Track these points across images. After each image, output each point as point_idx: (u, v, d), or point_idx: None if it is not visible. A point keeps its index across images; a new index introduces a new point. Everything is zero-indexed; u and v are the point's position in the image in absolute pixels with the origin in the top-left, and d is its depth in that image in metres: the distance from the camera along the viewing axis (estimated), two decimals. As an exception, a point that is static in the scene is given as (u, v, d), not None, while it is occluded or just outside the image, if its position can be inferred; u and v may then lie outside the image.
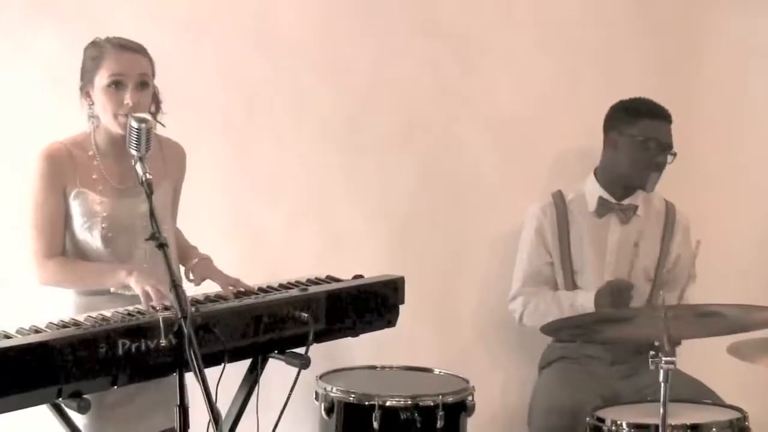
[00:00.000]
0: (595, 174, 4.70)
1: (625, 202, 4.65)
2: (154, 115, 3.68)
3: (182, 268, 3.84)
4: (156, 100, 3.72)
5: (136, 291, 3.41)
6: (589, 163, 4.75)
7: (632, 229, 4.66)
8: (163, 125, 3.69)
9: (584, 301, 4.49)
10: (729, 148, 5.16)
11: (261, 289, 3.78)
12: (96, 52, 3.57)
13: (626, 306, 4.42)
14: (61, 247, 3.62)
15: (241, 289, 3.73)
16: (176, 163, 3.84)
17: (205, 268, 3.81)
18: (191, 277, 3.80)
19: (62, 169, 3.58)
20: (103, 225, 3.60)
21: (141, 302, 3.43)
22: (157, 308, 3.34)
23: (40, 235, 3.58)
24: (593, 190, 4.67)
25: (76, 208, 3.60)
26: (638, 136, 4.55)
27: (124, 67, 3.53)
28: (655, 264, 4.66)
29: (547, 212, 4.68)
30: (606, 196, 4.65)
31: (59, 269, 3.59)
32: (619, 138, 4.60)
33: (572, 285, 4.64)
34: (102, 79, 3.53)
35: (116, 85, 3.52)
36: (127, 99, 3.51)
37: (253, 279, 3.82)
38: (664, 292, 3.80)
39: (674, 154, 4.60)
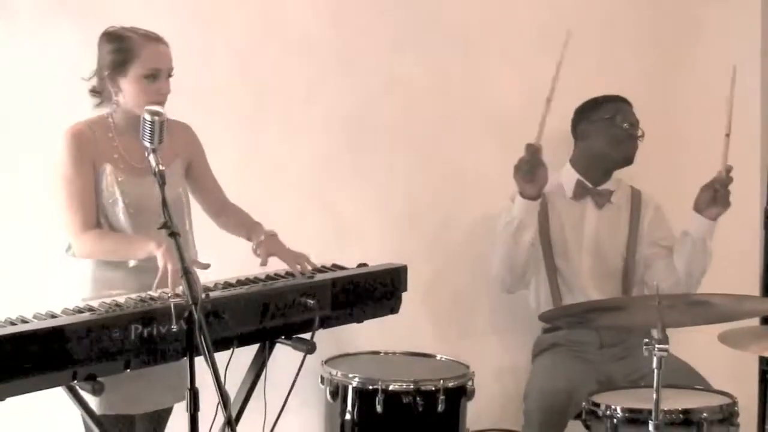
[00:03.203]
0: (571, 163, 4.81)
1: (601, 187, 4.75)
2: None
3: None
4: None
5: (159, 264, 3.49)
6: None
7: (606, 216, 4.74)
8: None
9: (516, 201, 4.51)
10: (718, 143, 5.17)
11: (268, 277, 3.85)
12: (125, 44, 3.68)
13: (536, 167, 4.43)
14: (95, 219, 3.70)
15: (308, 266, 3.87)
16: (185, 141, 3.94)
17: (271, 245, 3.92)
18: (258, 253, 3.91)
19: (88, 145, 3.69)
20: (125, 202, 3.70)
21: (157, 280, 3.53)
22: (168, 294, 3.42)
23: (74, 210, 3.67)
24: (570, 177, 4.76)
25: (103, 185, 3.71)
26: (605, 115, 4.71)
27: (160, 61, 3.70)
28: (625, 247, 4.73)
29: None
30: (583, 180, 4.74)
31: (94, 242, 3.68)
32: (590, 126, 4.75)
33: (553, 267, 4.70)
34: (138, 70, 3.66)
35: (152, 77, 3.67)
36: (164, 89, 3.69)
37: (261, 267, 3.90)
38: (657, 281, 3.82)
39: (642, 132, 4.72)
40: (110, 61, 3.70)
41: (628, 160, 4.75)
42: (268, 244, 3.93)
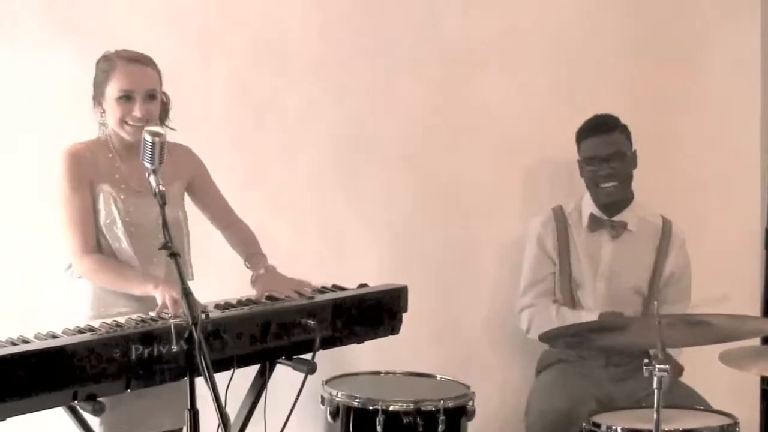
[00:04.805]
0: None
1: (616, 218, 4.70)
2: (162, 120, 3.81)
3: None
4: (165, 108, 3.84)
5: (158, 300, 3.49)
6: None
7: (624, 244, 4.71)
8: (173, 129, 3.78)
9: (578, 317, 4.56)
10: (718, 160, 5.20)
11: (269, 297, 3.85)
12: (106, 65, 3.71)
13: None
14: (95, 240, 3.70)
15: (305, 290, 3.86)
16: (186, 162, 3.94)
17: (269, 281, 3.90)
18: (255, 288, 3.90)
19: (86, 165, 3.69)
20: (124, 223, 3.70)
21: (154, 308, 3.53)
22: (168, 315, 3.43)
23: (74, 230, 3.67)
24: (587, 206, 4.74)
25: (100, 204, 3.70)
26: (582, 159, 4.71)
27: (132, 82, 3.67)
28: (648, 280, 4.70)
29: (548, 226, 4.76)
30: (597, 212, 4.71)
31: (93, 268, 3.68)
32: (580, 161, 4.75)
33: (570, 298, 4.71)
34: (113, 91, 3.67)
35: (126, 98, 3.66)
36: (136, 111, 3.66)
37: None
38: (657, 302, 3.84)
39: (624, 154, 4.64)
40: (94, 82, 3.74)
41: (608, 207, 4.70)
42: (266, 279, 3.92)
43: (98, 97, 3.73)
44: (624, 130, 4.71)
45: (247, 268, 4.00)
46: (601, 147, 4.66)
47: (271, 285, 3.90)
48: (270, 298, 3.85)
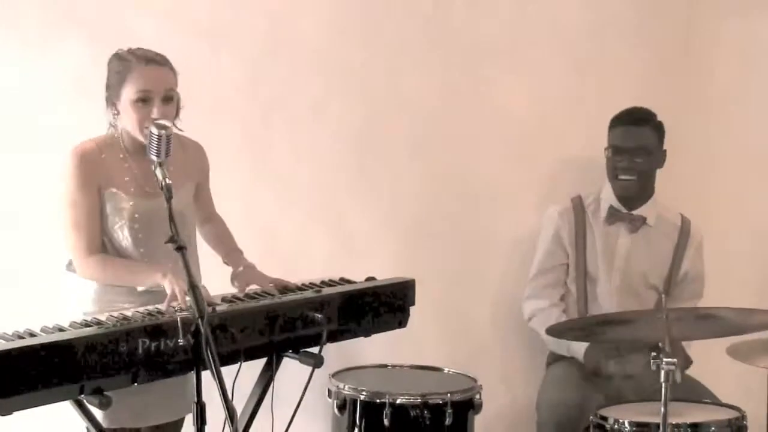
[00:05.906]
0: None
1: (635, 212, 4.69)
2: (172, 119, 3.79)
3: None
4: (176, 106, 3.79)
5: (167, 290, 3.47)
6: (593, 168, 4.80)
7: (641, 238, 4.69)
8: (180, 130, 3.75)
9: (576, 350, 4.56)
10: (727, 154, 5.21)
11: (277, 290, 3.85)
12: (121, 66, 3.61)
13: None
14: (100, 242, 3.67)
15: (285, 285, 3.85)
16: (198, 162, 3.91)
17: (249, 276, 3.89)
18: (236, 284, 3.88)
19: (95, 168, 3.64)
20: (133, 225, 3.67)
21: (158, 303, 3.52)
22: (176, 308, 3.42)
23: (78, 233, 3.64)
24: (607, 198, 4.71)
25: (108, 207, 3.67)
26: (608, 147, 4.67)
27: (151, 83, 3.58)
28: (665, 277, 4.69)
29: (565, 216, 4.74)
30: (617, 204, 4.69)
31: (98, 267, 3.65)
32: (606, 149, 4.72)
33: (583, 291, 4.70)
34: (129, 93, 3.58)
35: (143, 100, 3.57)
36: (154, 113, 3.56)
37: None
38: (665, 296, 3.84)
39: (649, 151, 4.61)
40: (108, 82, 3.65)
41: (625, 200, 4.69)
42: (247, 275, 3.91)
43: (112, 99, 3.64)
44: (657, 127, 4.67)
45: (226, 264, 3.98)
46: (627, 138, 4.64)
47: (252, 280, 3.89)
48: (278, 290, 3.85)
